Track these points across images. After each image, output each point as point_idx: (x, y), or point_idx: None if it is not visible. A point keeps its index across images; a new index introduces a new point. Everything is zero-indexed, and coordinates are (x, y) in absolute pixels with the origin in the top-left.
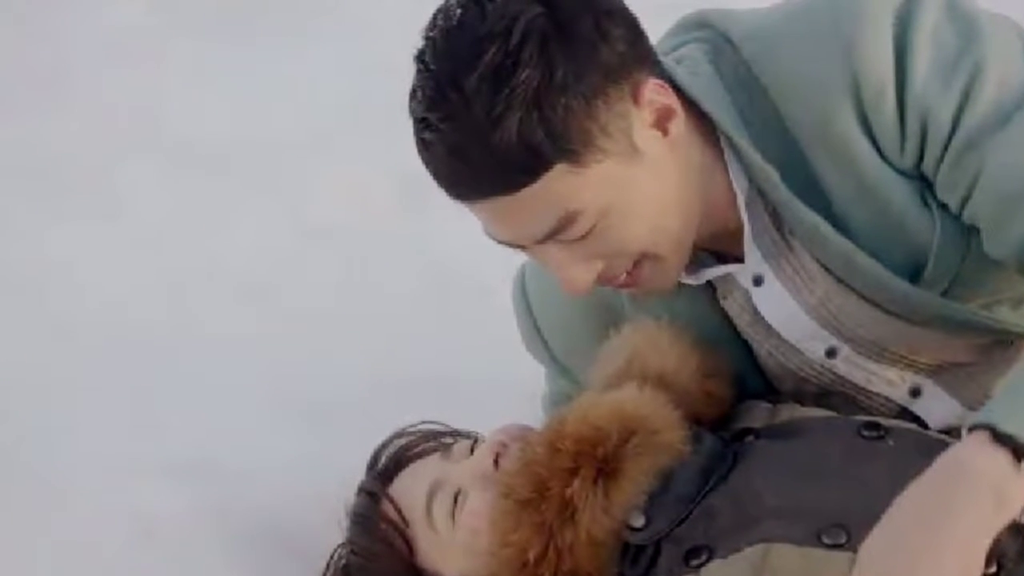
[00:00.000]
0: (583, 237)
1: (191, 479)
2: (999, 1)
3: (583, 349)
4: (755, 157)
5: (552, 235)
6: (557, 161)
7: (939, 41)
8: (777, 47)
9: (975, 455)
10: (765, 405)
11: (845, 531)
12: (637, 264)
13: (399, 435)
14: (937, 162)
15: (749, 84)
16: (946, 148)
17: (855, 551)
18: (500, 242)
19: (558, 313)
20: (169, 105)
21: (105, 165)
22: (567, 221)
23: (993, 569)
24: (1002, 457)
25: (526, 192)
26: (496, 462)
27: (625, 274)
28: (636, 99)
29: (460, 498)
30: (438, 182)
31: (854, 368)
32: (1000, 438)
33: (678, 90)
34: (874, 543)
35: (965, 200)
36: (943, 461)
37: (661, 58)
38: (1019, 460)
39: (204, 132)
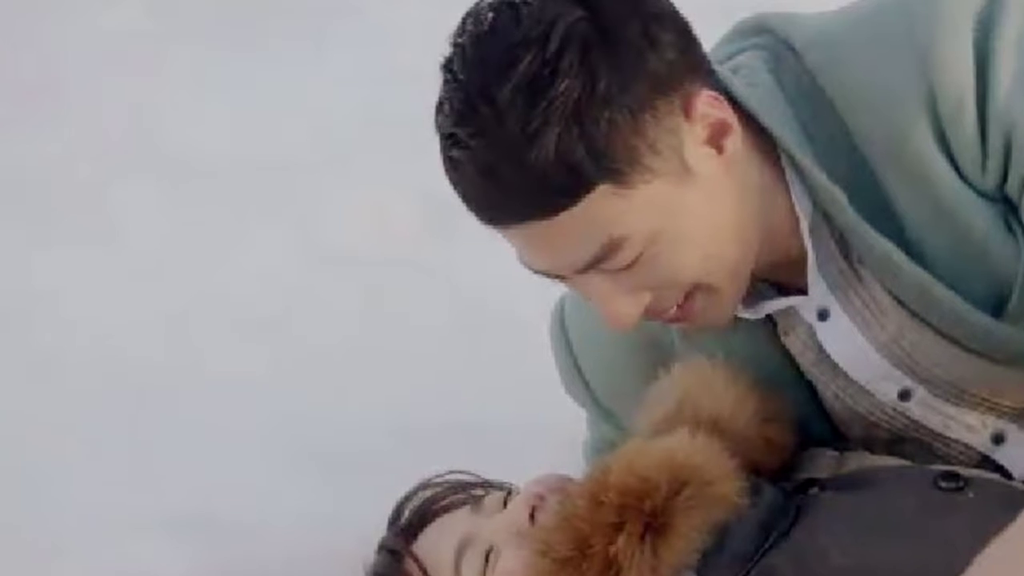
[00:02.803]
0: (629, 266)
1: (192, 535)
2: None
3: (629, 391)
4: (820, 177)
5: (594, 264)
6: (600, 181)
7: None
8: (845, 55)
9: None
10: (831, 453)
11: None
12: (689, 296)
13: (424, 486)
14: (1022, 183)
15: (813, 96)
16: None
17: None
18: (537, 272)
19: (601, 351)
20: (168, 118)
21: (97, 184)
22: (611, 248)
23: None
24: None
25: (565, 216)
26: (532, 516)
27: (676, 307)
28: (688, 113)
29: (492, 556)
30: (467, 205)
31: (930, 412)
32: None
33: (734, 103)
34: None
35: None
36: None
37: (715, 67)
38: None
39: (207, 148)
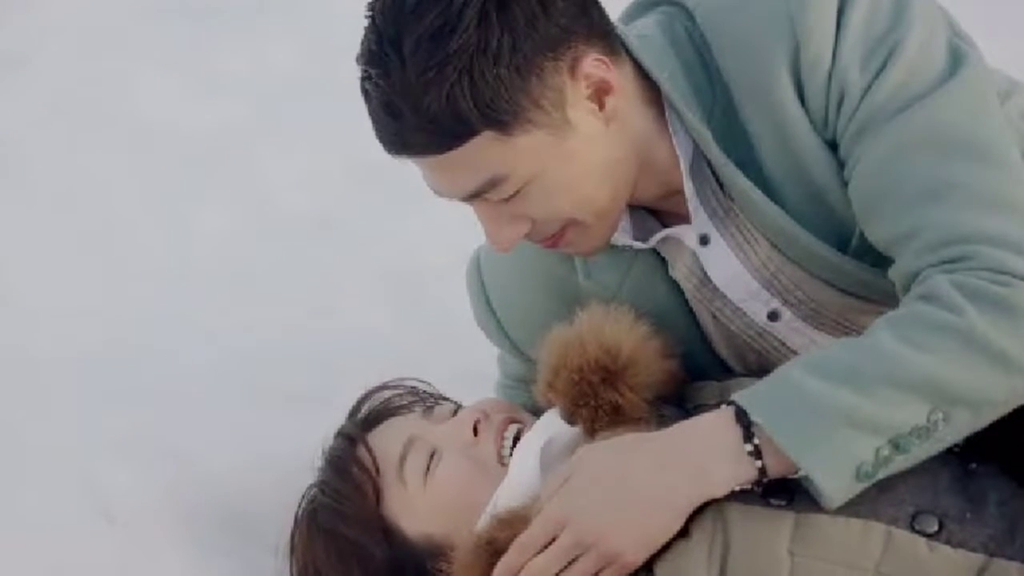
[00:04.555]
0: (508, 199)
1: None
2: None
3: (536, 323)
4: (691, 118)
5: (478, 194)
6: (484, 129)
7: (874, 16)
8: (728, 12)
9: None
10: (715, 383)
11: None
12: (563, 227)
13: (383, 387)
14: (841, 137)
15: (700, 49)
16: (849, 123)
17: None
18: (436, 194)
19: (511, 287)
20: (133, 88)
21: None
22: (492, 184)
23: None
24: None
25: (454, 154)
26: (475, 430)
27: (550, 236)
28: (573, 73)
29: (434, 458)
30: (376, 135)
31: (794, 333)
32: None
33: (634, 60)
34: None
35: (848, 181)
36: None
37: (617, 25)
38: None
39: (174, 117)
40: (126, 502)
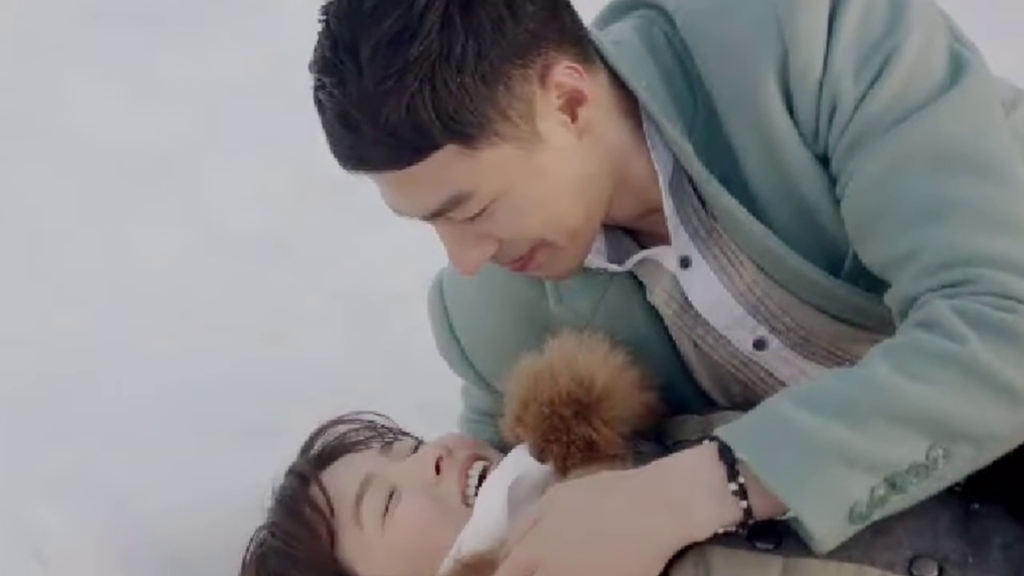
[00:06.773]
0: (474, 218)
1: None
2: None
3: (503, 352)
4: (671, 131)
5: (441, 212)
6: (447, 142)
7: (868, 21)
8: (711, 15)
9: None
10: (697, 418)
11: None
12: (533, 249)
13: (338, 421)
14: (833, 151)
15: (682, 57)
16: (841, 136)
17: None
18: (396, 212)
19: (475, 313)
20: (70, 98)
21: None
22: (456, 202)
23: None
24: None
25: (415, 169)
26: (437, 468)
27: (519, 258)
28: (543, 82)
29: (393, 498)
30: (330, 148)
31: (782, 363)
32: None
33: (610, 68)
34: None
35: (841, 198)
36: None
37: (591, 30)
38: None
39: (107, 128)
40: (59, 544)
